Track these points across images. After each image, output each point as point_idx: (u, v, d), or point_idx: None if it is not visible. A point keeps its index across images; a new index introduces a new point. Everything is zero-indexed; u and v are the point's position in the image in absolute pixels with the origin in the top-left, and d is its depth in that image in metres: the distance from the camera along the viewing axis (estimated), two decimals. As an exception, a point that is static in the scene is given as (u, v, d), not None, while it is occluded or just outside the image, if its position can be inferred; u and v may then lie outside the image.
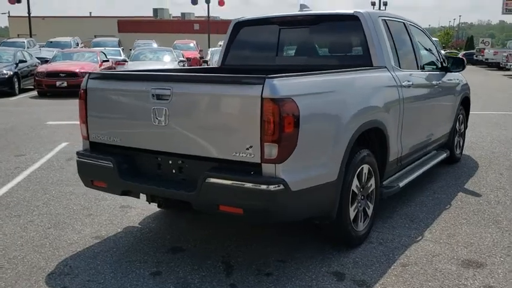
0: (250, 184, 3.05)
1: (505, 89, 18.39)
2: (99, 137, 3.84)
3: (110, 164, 3.66)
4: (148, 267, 3.62)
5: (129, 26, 49.79)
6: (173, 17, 60.74)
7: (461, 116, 6.58)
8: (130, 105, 3.65)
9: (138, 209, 4.91)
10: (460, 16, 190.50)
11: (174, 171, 3.53)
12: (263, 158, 3.03)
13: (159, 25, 50.59)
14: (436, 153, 5.82)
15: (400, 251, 3.87)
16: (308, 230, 4.20)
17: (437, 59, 5.81)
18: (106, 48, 23.48)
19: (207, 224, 4.47)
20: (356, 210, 3.83)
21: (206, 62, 18.09)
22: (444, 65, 5.82)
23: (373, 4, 40.77)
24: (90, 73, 3.89)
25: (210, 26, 37.81)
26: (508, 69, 28.18)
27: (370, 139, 3.99)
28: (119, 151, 3.74)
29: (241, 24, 5.13)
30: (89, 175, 3.90)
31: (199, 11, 47.63)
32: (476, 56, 38.36)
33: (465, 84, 6.60)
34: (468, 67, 19.74)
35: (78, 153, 3.97)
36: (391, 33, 4.60)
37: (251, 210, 3.11)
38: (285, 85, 3.03)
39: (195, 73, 4.36)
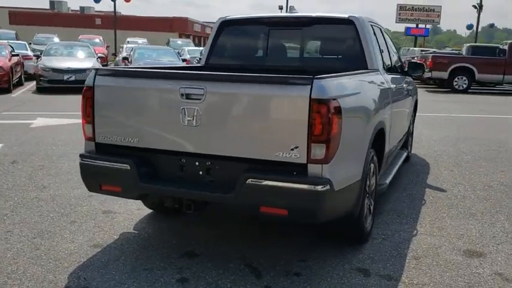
0: (297, 185, 3.05)
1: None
2: (109, 138, 3.59)
3: (127, 167, 3.44)
4: (171, 274, 3.46)
5: (22, 18, 46.21)
6: (72, 10, 57.60)
7: (412, 117, 7.06)
8: (153, 104, 3.46)
9: (124, 214, 4.66)
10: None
11: (201, 172, 3.41)
12: (309, 158, 3.04)
13: (57, 19, 47.58)
14: (400, 152, 6.19)
15: (405, 245, 4.08)
16: (312, 230, 4.27)
17: (401, 63, 6.18)
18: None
19: (207, 226, 4.37)
20: (366, 207, 3.97)
21: (127, 59, 17.34)
22: (404, 69, 6.21)
23: (281, 8, 41.92)
24: (97, 69, 3.62)
25: (116, 21, 36.38)
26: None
27: (375, 139, 4.16)
28: (133, 153, 3.52)
29: (227, 23, 5.06)
30: (98, 179, 3.63)
31: (100, 5, 45.36)
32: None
33: (416, 87, 7.09)
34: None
35: (82, 155, 3.67)
36: (376, 38, 4.83)
37: (296, 210, 3.11)
38: (330, 86, 3.07)
39: (182, 70, 4.21)
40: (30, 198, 5.07)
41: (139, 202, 4.83)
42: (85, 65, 15.31)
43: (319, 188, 3.02)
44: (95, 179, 3.65)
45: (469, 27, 36.52)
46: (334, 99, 3.03)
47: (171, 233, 4.24)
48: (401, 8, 43.61)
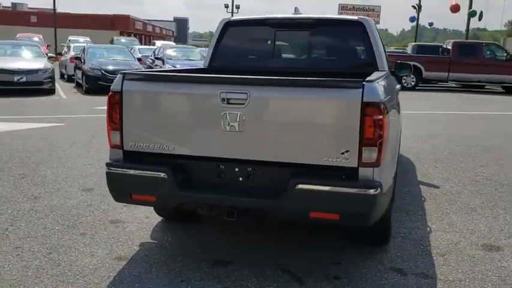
0: (350, 189, 3.05)
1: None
2: (139, 146, 3.42)
3: (164, 175, 3.30)
4: (212, 285, 3.36)
5: None
6: (3, 7, 54.62)
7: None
8: (189, 110, 3.34)
9: (134, 223, 4.48)
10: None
11: (240, 179, 3.32)
12: (360, 162, 3.05)
13: (-12, 15, 44.96)
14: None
15: (425, 242, 4.19)
16: (334, 232, 4.30)
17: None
18: None
19: (225, 232, 4.28)
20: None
21: (79, 58, 16.63)
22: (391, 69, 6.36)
23: (227, 6, 41.82)
24: (125, 73, 3.43)
25: (56, 19, 34.84)
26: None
27: None
28: (168, 160, 3.38)
29: (231, 24, 4.96)
30: (128, 189, 3.45)
31: (32, 2, 43.25)
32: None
33: (397, 87, 7.28)
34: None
35: (110, 164, 3.48)
36: (380, 39, 4.91)
37: (349, 215, 3.10)
38: (379, 89, 3.09)
39: (187, 73, 4.10)
40: (25, 210, 4.76)
41: (146, 210, 4.68)
42: (36, 66, 14.60)
43: (371, 191, 3.03)
44: (125, 188, 3.47)
45: (412, 19, 37.79)
46: (383, 102, 3.05)
47: (192, 241, 4.11)
48: (342, 7, 44.73)
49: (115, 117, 3.43)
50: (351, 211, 3.09)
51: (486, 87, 21.69)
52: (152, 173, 3.35)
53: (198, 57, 18.51)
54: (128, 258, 3.76)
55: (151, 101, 3.41)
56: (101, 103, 12.95)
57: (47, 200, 5.06)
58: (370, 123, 2.99)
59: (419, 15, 35.92)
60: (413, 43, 23.17)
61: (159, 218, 4.58)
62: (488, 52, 20.80)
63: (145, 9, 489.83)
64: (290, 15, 4.98)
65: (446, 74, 20.36)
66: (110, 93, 3.44)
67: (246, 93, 3.14)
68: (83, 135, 8.51)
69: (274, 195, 3.17)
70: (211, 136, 3.28)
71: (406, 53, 22.57)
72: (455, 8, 23.88)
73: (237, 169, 3.32)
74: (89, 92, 15.35)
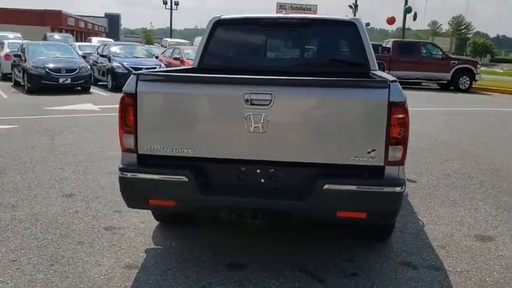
0: (379, 187, 3.10)
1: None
2: (156, 149, 3.30)
3: (185, 179, 3.21)
4: (235, 289, 3.31)
5: None
6: None
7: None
8: (210, 111, 3.26)
9: (130, 229, 4.32)
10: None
11: (262, 180, 3.29)
12: (387, 160, 3.11)
13: None
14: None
15: (422, 235, 4.35)
16: (336, 230, 4.36)
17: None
18: None
19: (226, 234, 4.23)
20: None
21: (18, 56, 15.68)
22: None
23: (165, 3, 41.04)
24: (138, 74, 3.29)
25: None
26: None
27: None
28: (186, 163, 3.29)
29: (221, 23, 4.88)
30: (145, 194, 3.32)
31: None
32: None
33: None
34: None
35: (123, 169, 3.33)
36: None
37: (376, 213, 3.16)
38: (401, 89, 3.16)
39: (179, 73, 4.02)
40: (7, 220, 4.45)
41: (138, 215, 4.57)
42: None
43: (398, 189, 3.11)
44: (141, 194, 3.33)
45: (408, 10, 38.71)
46: (406, 102, 3.13)
47: (197, 245, 4.02)
48: (280, 6, 45.22)
49: (129, 120, 3.29)
50: (378, 209, 3.15)
51: (423, 83, 22.78)
52: (172, 176, 3.25)
53: (144, 54, 18.04)
54: (138, 266, 3.62)
55: (169, 102, 3.29)
56: (49, 103, 12.36)
57: (28, 208, 4.75)
58: (396, 122, 3.06)
59: (356, 16, 37.02)
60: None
61: (155, 223, 4.44)
62: (425, 51, 21.85)
63: (74, 4, 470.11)
64: (281, 15, 4.98)
65: (388, 72, 21.14)
66: (123, 94, 3.29)
67: (271, 94, 3.11)
68: (42, 138, 8.06)
69: (300, 196, 3.17)
70: (234, 138, 3.22)
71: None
72: (391, 21, 24.90)
73: (258, 170, 3.28)
74: (31, 91, 14.53)
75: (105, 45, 17.83)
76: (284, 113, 3.15)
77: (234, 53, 5.01)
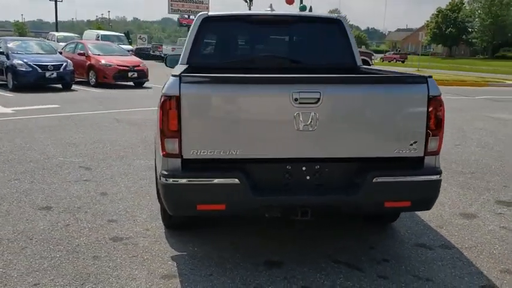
0: (422, 177, 3.33)
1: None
2: (202, 152, 3.19)
3: (237, 181, 3.15)
4: (289, 286, 3.33)
5: None
6: None
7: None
8: (258, 111, 3.22)
9: (140, 238, 4.13)
10: (103, 14, 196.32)
11: (308, 177, 3.35)
12: (426, 151, 3.34)
13: None
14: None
15: (417, 218, 4.70)
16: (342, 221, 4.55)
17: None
18: None
19: (241, 234, 4.22)
20: None
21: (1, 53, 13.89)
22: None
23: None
24: (182, 76, 3.15)
25: None
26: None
27: None
28: (235, 165, 3.23)
29: (209, 20, 4.77)
30: (194, 199, 3.20)
31: None
32: (153, 52, 40.99)
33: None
34: (149, 63, 21.40)
35: (167, 175, 3.17)
36: None
37: (419, 200, 3.38)
38: (436, 84, 3.39)
39: None
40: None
41: (137, 222, 4.37)
42: None
43: (437, 177, 3.36)
44: (189, 200, 3.21)
45: (302, 8, 39.35)
46: (441, 95, 3.37)
47: (221, 247, 3.95)
48: (172, -1, 44.54)
49: (172, 124, 3.14)
50: (421, 197, 3.37)
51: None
52: (223, 180, 3.17)
53: (45, 49, 16.69)
54: (175, 275, 3.48)
55: (214, 104, 3.20)
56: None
57: (9, 226, 4.29)
58: (434, 114, 3.29)
59: (251, 8, 37.64)
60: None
61: (161, 229, 4.28)
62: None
63: None
64: (269, 12, 4.99)
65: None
66: (164, 98, 3.13)
67: (319, 92, 3.17)
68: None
69: (349, 190, 3.28)
70: (282, 137, 3.23)
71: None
72: (290, 1, 25.78)
73: (304, 168, 3.33)
74: None
75: (1, 41, 16.21)
76: (332, 110, 3.22)
77: (223, 50, 4.94)
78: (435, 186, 3.37)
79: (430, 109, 3.27)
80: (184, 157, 3.19)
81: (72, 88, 15.70)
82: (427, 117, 3.28)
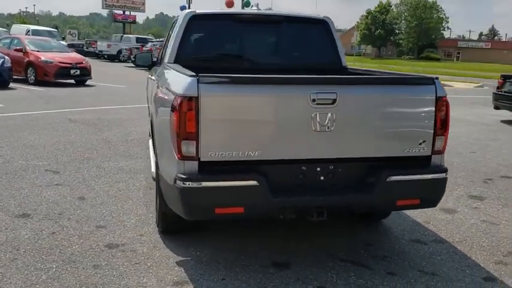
0: (431, 175, 3.44)
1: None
2: (220, 154, 3.11)
3: (255, 183, 3.11)
4: (303, 286, 3.33)
5: None
6: None
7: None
8: (277, 112, 3.18)
9: (136, 244, 3.97)
10: (27, 7, 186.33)
11: (322, 177, 3.36)
12: (433, 150, 3.46)
13: None
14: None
15: (404, 214, 4.85)
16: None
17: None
18: None
19: (234, 236, 4.17)
20: None
21: None
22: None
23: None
24: (199, 76, 3.05)
25: None
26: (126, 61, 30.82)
27: None
28: (252, 167, 3.18)
29: (197, 18, 4.66)
30: (212, 202, 3.11)
31: None
32: (87, 48, 39.52)
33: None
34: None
35: (184, 178, 3.06)
36: None
37: (428, 198, 3.49)
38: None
39: None
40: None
41: (127, 227, 4.23)
42: None
43: (443, 175, 3.49)
44: (207, 203, 3.11)
45: (182, 8, 39.13)
46: (446, 96, 3.49)
47: (223, 250, 3.87)
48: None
49: (190, 126, 3.04)
50: (429, 194, 3.48)
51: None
52: (243, 182, 3.11)
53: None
54: (187, 281, 3.38)
55: (233, 105, 3.12)
56: None
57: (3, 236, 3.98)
58: (441, 114, 3.41)
59: (190, 5, 37.22)
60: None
61: (155, 235, 4.14)
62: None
63: None
64: (257, 11, 4.95)
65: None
66: (181, 98, 3.02)
67: (335, 93, 3.19)
68: None
69: (363, 189, 3.33)
70: (299, 137, 3.22)
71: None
72: (230, 4, 25.69)
73: (318, 169, 3.34)
74: None
75: None
76: (347, 110, 3.25)
77: (211, 48, 4.83)
78: (442, 184, 3.49)
79: (437, 109, 3.39)
80: (202, 159, 3.10)
81: (9, 86, 14.77)
82: (435, 117, 3.39)
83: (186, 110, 3.02)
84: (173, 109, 3.09)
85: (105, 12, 47.57)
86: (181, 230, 4.05)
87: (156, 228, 4.23)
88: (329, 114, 3.18)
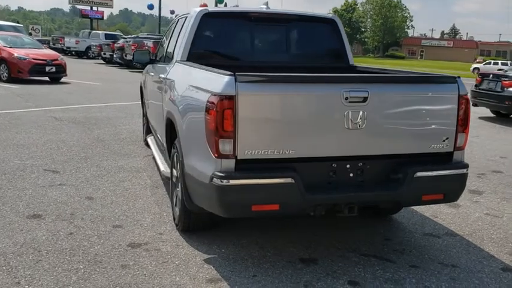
0: (455, 170, 3.56)
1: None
2: (257, 153, 3.14)
3: (291, 180, 3.16)
4: (334, 282, 3.40)
5: None
6: None
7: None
8: (312, 110, 3.23)
9: (159, 243, 3.96)
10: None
11: (351, 174, 3.44)
12: (455, 146, 3.59)
13: None
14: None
15: (409, 209, 4.98)
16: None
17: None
18: None
19: (256, 229, 4.21)
20: None
21: None
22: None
23: None
24: (237, 75, 3.06)
25: None
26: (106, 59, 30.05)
27: None
28: (288, 164, 3.23)
29: (209, 16, 4.65)
30: (249, 200, 3.14)
31: None
32: (53, 44, 38.55)
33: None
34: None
35: (222, 176, 3.08)
36: None
37: (451, 193, 3.61)
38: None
39: None
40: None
41: (145, 226, 4.21)
42: None
43: (465, 170, 3.62)
44: (244, 201, 3.14)
45: (150, 7, 38.87)
46: (468, 94, 3.63)
47: (246, 247, 3.91)
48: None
49: (227, 125, 3.06)
50: (452, 189, 3.61)
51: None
52: (279, 180, 3.15)
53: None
54: (219, 278, 3.39)
55: (270, 103, 3.16)
56: None
57: (5, 238, 3.88)
58: (463, 112, 3.54)
59: (161, 3, 36.81)
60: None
61: (174, 233, 4.14)
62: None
63: None
64: (268, 9, 4.98)
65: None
66: (219, 97, 3.04)
67: (367, 91, 3.27)
68: None
69: (391, 186, 3.42)
70: (332, 135, 3.29)
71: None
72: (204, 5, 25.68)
73: (348, 166, 3.41)
74: None
75: None
76: (378, 109, 3.34)
77: (223, 46, 4.84)
78: (464, 179, 3.62)
79: (459, 107, 3.51)
80: (239, 157, 3.12)
81: (-18, 83, 14.32)
82: (457, 114, 3.51)
83: (224, 109, 3.03)
84: (209, 108, 3.10)
85: (67, 8, 46.28)
86: (201, 228, 4.05)
87: (174, 227, 4.22)
88: (360, 112, 3.26)
